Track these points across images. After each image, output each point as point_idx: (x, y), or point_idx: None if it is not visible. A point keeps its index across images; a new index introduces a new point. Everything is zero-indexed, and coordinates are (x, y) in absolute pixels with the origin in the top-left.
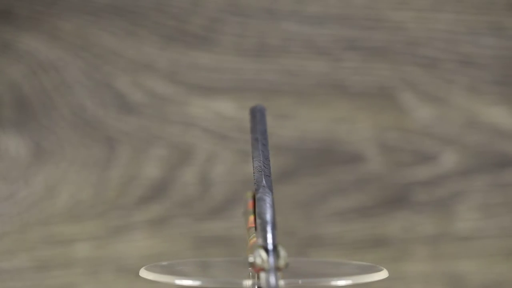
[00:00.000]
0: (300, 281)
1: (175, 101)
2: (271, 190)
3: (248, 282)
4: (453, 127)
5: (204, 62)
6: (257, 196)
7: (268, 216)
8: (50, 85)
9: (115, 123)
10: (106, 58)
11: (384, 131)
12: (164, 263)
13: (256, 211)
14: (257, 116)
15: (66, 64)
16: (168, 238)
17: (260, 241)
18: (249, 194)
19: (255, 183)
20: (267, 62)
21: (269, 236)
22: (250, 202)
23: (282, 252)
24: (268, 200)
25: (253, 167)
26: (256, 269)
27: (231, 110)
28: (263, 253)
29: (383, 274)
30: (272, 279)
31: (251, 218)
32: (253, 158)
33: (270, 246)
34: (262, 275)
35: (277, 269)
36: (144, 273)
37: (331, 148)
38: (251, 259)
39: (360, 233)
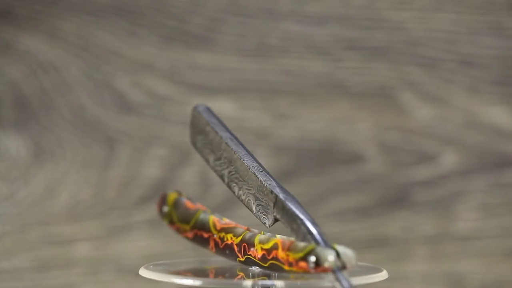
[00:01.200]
0: (298, 282)
1: (175, 101)
2: (284, 188)
3: (248, 282)
4: (453, 127)
5: (204, 62)
6: (281, 197)
7: (304, 215)
8: (50, 85)
9: (115, 123)
10: (106, 58)
11: (384, 131)
12: (164, 262)
13: (289, 213)
14: (209, 115)
15: (66, 64)
16: (167, 238)
17: (312, 242)
18: (173, 195)
19: (266, 184)
20: (267, 62)
21: (316, 234)
22: (187, 202)
23: (348, 251)
24: (295, 199)
25: (248, 166)
26: (320, 269)
27: (231, 110)
28: (329, 253)
29: (382, 275)
30: (344, 280)
31: (213, 218)
32: (240, 158)
33: (323, 244)
34: (331, 275)
35: (344, 268)
36: (144, 272)
37: (331, 148)
38: (313, 258)
39: (360, 233)
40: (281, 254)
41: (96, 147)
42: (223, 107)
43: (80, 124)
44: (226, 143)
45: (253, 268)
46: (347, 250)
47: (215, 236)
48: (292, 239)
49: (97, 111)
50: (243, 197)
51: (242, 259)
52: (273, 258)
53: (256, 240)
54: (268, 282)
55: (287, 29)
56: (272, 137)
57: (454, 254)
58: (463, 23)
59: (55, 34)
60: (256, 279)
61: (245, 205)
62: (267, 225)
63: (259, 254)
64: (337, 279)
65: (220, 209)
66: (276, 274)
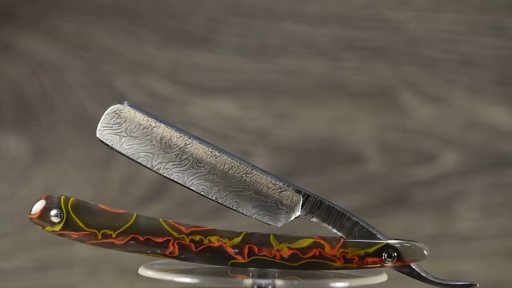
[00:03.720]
0: (296, 282)
1: (175, 101)
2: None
3: (248, 281)
4: (453, 127)
5: (204, 62)
6: (313, 195)
7: (352, 214)
8: (50, 85)
9: None
10: (106, 58)
11: (384, 131)
12: (163, 261)
13: (331, 211)
14: (147, 112)
15: (66, 64)
16: None
17: (374, 237)
18: (71, 199)
19: (281, 184)
20: (267, 62)
21: (377, 231)
22: (103, 206)
23: (420, 244)
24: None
25: (244, 167)
26: (400, 263)
27: (231, 110)
28: (412, 247)
29: (382, 278)
30: (423, 271)
31: (167, 221)
32: (227, 159)
33: (386, 239)
34: (409, 267)
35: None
36: (143, 271)
37: (331, 148)
38: (392, 252)
39: None
40: (331, 251)
41: (96, 147)
42: (223, 107)
43: (80, 124)
44: (198, 143)
45: (250, 269)
46: (419, 244)
47: (181, 239)
48: (328, 237)
49: (97, 111)
50: (221, 200)
51: (244, 261)
52: (314, 256)
53: (274, 241)
54: (267, 281)
55: (287, 29)
56: (272, 137)
57: (454, 254)
58: (463, 23)
59: (55, 34)
60: (256, 278)
61: (227, 207)
62: (274, 225)
63: (285, 253)
64: (418, 271)
65: (221, 209)
66: (277, 273)
